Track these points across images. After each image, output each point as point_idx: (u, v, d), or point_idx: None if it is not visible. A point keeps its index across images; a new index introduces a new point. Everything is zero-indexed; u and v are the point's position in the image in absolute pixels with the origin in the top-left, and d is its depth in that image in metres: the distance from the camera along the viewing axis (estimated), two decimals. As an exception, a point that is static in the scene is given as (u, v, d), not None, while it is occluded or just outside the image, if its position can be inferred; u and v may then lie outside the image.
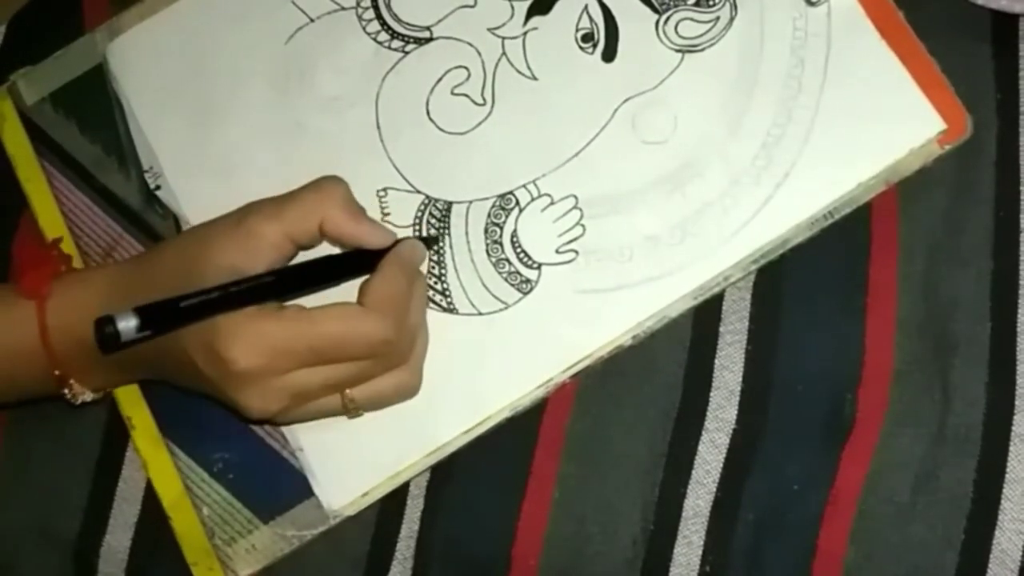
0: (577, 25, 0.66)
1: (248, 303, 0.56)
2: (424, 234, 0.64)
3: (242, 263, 0.57)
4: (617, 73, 0.65)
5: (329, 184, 0.60)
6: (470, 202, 0.65)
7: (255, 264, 0.57)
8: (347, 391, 0.59)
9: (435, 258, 0.64)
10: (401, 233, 0.64)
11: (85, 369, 0.61)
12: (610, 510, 0.62)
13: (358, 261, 0.60)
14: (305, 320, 0.56)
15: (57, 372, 0.60)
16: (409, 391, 0.61)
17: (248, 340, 0.55)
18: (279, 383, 0.57)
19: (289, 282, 0.59)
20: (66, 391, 0.61)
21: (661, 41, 0.65)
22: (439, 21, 0.67)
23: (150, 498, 0.65)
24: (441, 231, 0.64)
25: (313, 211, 0.59)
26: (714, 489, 0.62)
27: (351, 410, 0.60)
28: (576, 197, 0.64)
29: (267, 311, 0.56)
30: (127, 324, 0.53)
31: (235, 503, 0.64)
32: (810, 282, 0.63)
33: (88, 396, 0.62)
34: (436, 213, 0.64)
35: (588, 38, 0.66)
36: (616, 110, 0.65)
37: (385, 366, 0.59)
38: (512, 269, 0.64)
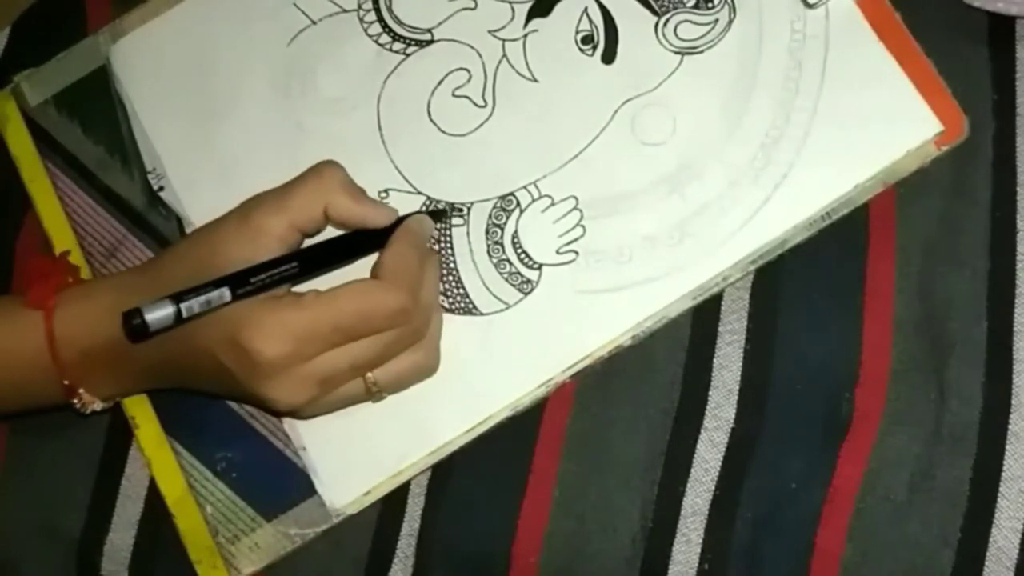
0: (577, 27, 0.66)
1: (268, 288, 0.57)
2: (430, 208, 0.65)
3: (252, 258, 0.57)
4: (617, 75, 0.66)
5: (328, 169, 0.60)
6: (471, 203, 0.65)
7: (264, 258, 0.58)
8: (369, 374, 0.59)
9: (436, 258, 0.65)
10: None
11: (94, 379, 0.61)
12: (609, 508, 0.63)
13: (365, 240, 0.61)
14: (325, 302, 0.57)
15: (66, 382, 0.61)
16: (428, 370, 0.62)
17: (272, 329, 0.56)
18: (305, 370, 0.57)
19: (308, 265, 0.59)
20: (75, 401, 0.61)
21: (660, 43, 0.66)
22: (440, 23, 0.67)
23: (153, 496, 0.66)
24: (442, 232, 0.65)
25: (316, 198, 0.59)
26: (713, 487, 0.62)
27: (374, 393, 0.60)
28: (576, 198, 0.64)
29: (286, 300, 0.57)
30: (165, 311, 0.54)
31: (238, 501, 0.64)
32: (808, 282, 0.63)
33: (97, 405, 0.62)
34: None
35: (588, 40, 0.66)
36: (616, 111, 0.65)
37: (404, 342, 0.59)
38: (513, 270, 0.64)
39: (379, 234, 0.61)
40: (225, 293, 0.55)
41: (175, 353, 0.58)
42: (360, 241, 0.62)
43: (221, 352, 0.57)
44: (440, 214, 0.65)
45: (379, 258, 0.60)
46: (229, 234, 0.59)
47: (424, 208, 0.65)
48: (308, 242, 0.61)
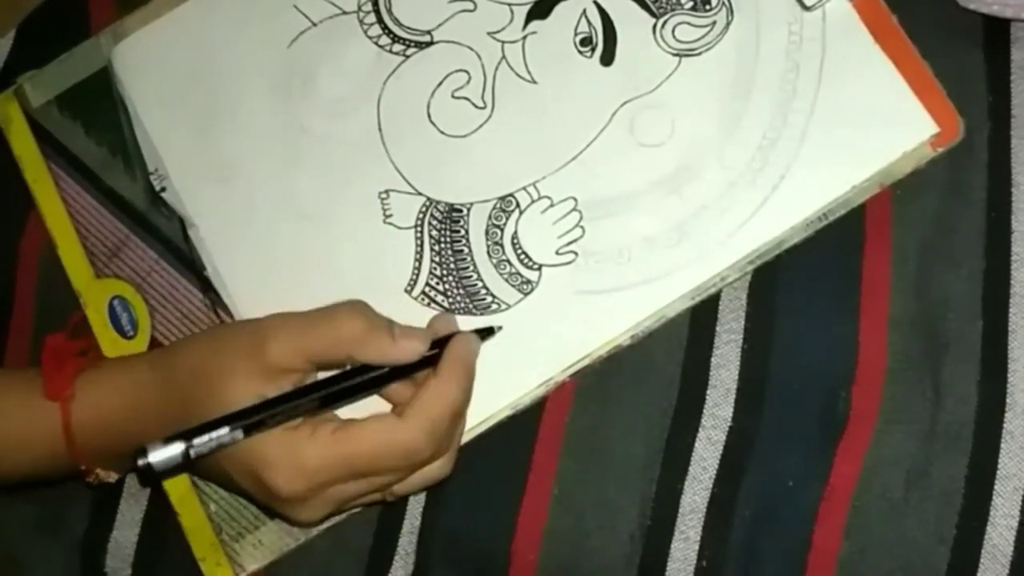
0: (576, 29, 0.67)
1: (289, 419, 0.56)
2: (482, 327, 0.63)
3: (268, 393, 0.57)
4: (615, 76, 0.66)
5: (345, 321, 0.58)
6: (471, 204, 0.65)
7: (281, 391, 0.57)
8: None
9: (436, 259, 0.65)
10: (402, 235, 0.65)
11: (108, 463, 0.62)
12: (608, 506, 0.63)
13: (397, 369, 0.59)
14: (343, 441, 0.57)
15: (83, 467, 0.61)
16: (442, 477, 0.61)
17: (290, 469, 0.56)
18: (323, 497, 0.57)
19: (331, 400, 0.58)
20: (91, 479, 0.62)
21: (659, 45, 0.66)
22: (439, 25, 0.68)
23: (156, 494, 0.66)
24: (442, 232, 0.65)
25: (338, 346, 0.58)
26: (711, 485, 0.63)
27: (389, 501, 0.61)
28: (575, 199, 0.65)
29: (304, 434, 0.57)
30: (173, 452, 0.54)
31: (242, 499, 0.65)
32: (805, 282, 0.64)
33: (112, 478, 0.63)
34: (437, 215, 0.65)
35: (586, 42, 0.67)
36: (614, 113, 0.65)
37: (423, 466, 0.59)
38: (513, 270, 0.64)
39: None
40: (238, 435, 0.55)
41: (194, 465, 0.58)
42: (391, 372, 0.59)
43: (239, 477, 0.57)
44: (488, 333, 0.63)
45: (419, 393, 0.58)
46: (244, 365, 0.57)
47: (420, 219, 0.65)
48: None
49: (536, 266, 0.64)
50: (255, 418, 0.55)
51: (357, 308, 0.59)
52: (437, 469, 0.60)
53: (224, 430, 0.55)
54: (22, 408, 0.60)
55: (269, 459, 0.56)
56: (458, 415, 0.59)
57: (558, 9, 0.67)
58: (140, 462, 0.54)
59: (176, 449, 0.54)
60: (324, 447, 0.56)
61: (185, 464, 0.55)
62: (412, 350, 0.59)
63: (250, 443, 0.56)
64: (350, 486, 0.58)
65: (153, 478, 0.55)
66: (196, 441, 0.54)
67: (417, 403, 0.58)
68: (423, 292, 0.65)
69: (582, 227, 0.64)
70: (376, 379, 0.59)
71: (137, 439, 0.55)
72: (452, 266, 0.65)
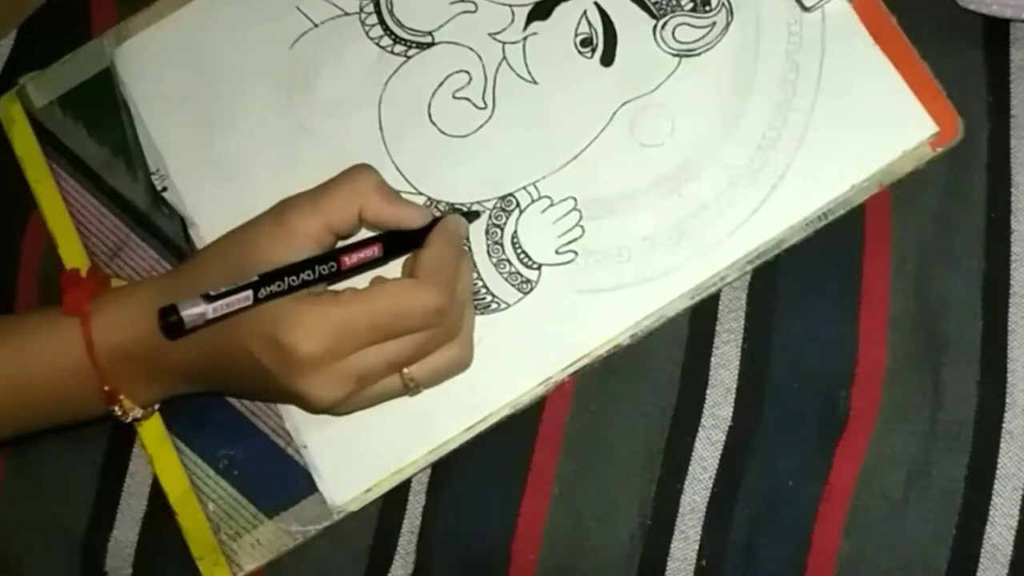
0: (576, 30, 0.67)
1: (302, 288, 0.57)
2: (466, 210, 0.65)
3: (286, 260, 0.57)
4: (615, 77, 0.66)
5: (361, 173, 0.61)
6: (471, 204, 0.66)
7: (298, 259, 0.58)
8: (406, 370, 0.60)
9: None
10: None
11: (133, 383, 0.61)
12: (608, 506, 0.63)
13: (400, 241, 0.61)
14: (362, 299, 0.58)
15: (107, 388, 0.61)
16: (463, 365, 0.62)
17: (310, 325, 0.56)
18: (342, 367, 0.58)
19: (343, 269, 0.60)
20: (116, 408, 0.62)
21: (659, 45, 0.66)
22: (441, 26, 0.68)
23: (157, 493, 0.66)
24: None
25: (350, 201, 0.60)
26: (710, 485, 0.63)
27: (411, 389, 0.61)
28: (575, 198, 0.65)
29: (324, 297, 0.58)
30: (199, 309, 0.55)
31: (240, 499, 0.65)
32: (805, 282, 0.64)
33: (138, 412, 0.62)
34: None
35: (587, 43, 0.67)
36: (614, 113, 0.66)
37: (440, 340, 0.60)
38: (512, 269, 0.64)
39: (413, 235, 0.61)
40: (260, 293, 0.56)
41: (213, 354, 0.59)
42: (394, 242, 0.62)
43: (259, 350, 0.57)
44: (473, 215, 0.65)
45: (416, 257, 0.60)
46: (263, 236, 0.59)
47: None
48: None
49: (535, 265, 0.64)
50: (274, 278, 0.57)
51: (371, 167, 0.62)
52: (456, 350, 0.61)
53: (246, 286, 0.56)
54: (46, 332, 0.60)
55: (290, 316, 0.57)
56: (457, 277, 0.60)
57: (559, 10, 0.67)
58: (170, 318, 0.54)
59: (202, 305, 0.55)
60: (347, 304, 0.57)
61: (211, 320, 0.55)
62: (418, 213, 0.62)
63: (271, 306, 0.57)
64: (370, 354, 0.58)
65: (181, 332, 0.55)
66: (220, 296, 0.55)
67: (420, 266, 0.60)
68: (423, 291, 0.65)
69: (582, 226, 0.65)
70: (385, 248, 0.61)
71: (162, 350, 0.58)
72: (452, 265, 0.65)
